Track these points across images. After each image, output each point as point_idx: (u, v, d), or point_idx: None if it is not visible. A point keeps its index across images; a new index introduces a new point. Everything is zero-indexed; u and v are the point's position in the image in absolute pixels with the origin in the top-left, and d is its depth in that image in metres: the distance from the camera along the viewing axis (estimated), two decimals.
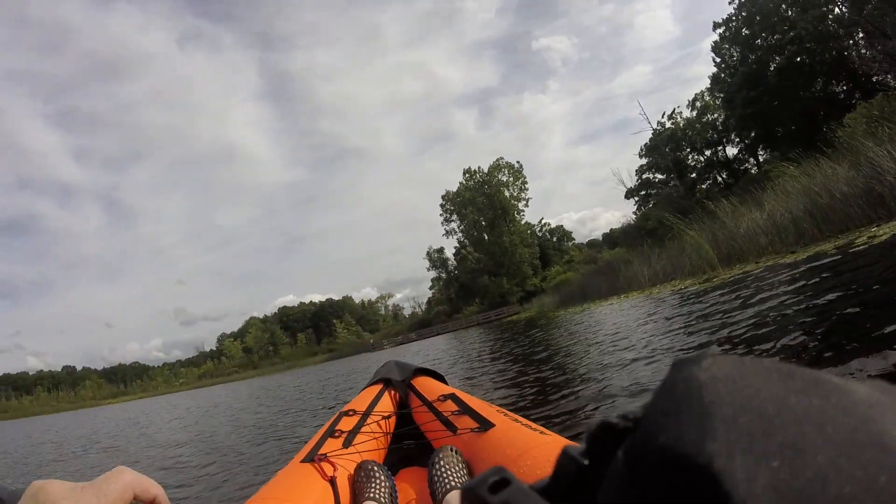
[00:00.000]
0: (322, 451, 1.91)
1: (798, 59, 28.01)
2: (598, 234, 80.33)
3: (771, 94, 29.63)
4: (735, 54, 33.31)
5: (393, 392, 2.87)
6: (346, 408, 2.50)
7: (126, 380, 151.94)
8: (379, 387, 2.90)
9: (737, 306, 6.01)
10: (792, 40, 28.16)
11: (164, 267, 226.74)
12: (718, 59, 34.88)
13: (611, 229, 75.93)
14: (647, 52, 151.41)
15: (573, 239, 70.47)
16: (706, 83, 38.24)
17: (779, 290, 5.88)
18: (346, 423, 2.25)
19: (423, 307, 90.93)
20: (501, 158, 62.59)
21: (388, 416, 2.48)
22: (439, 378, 3.09)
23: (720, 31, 33.96)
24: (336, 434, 2.11)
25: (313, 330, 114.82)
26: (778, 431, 0.18)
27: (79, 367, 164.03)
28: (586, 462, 0.23)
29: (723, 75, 34.53)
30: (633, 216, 42.25)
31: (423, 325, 74.95)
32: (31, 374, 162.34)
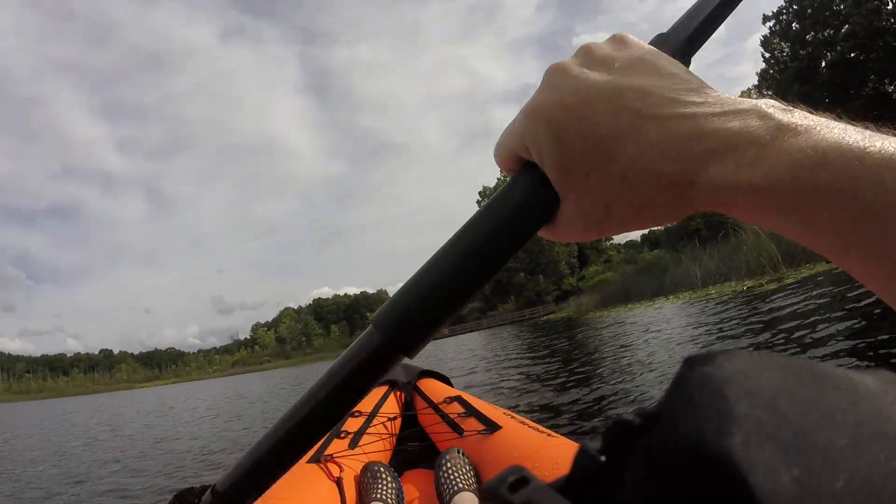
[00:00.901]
0: (328, 451, 1.91)
1: (851, 54, 26.98)
2: (635, 235, 78.90)
3: (823, 91, 28.75)
4: (785, 49, 32.36)
5: (398, 394, 2.85)
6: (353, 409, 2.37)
7: (161, 365, 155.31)
8: (384, 388, 2.87)
9: (819, 308, 5.48)
10: (845, 36, 27.14)
11: (204, 255, 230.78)
12: (767, 55, 33.94)
13: (649, 230, 74.70)
14: None
15: (611, 238, 69.30)
16: (751, 82, 36.96)
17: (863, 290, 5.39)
18: (352, 425, 2.25)
19: None
20: None
21: (394, 418, 2.50)
22: (445, 380, 3.08)
23: (770, 24, 32.90)
24: (342, 435, 2.11)
25: (347, 322, 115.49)
26: (792, 423, 0.18)
27: (116, 351, 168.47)
28: (603, 459, 0.22)
29: (771, 71, 33.65)
30: None
31: (456, 321, 74.41)
32: (68, 355, 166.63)
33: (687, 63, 0.42)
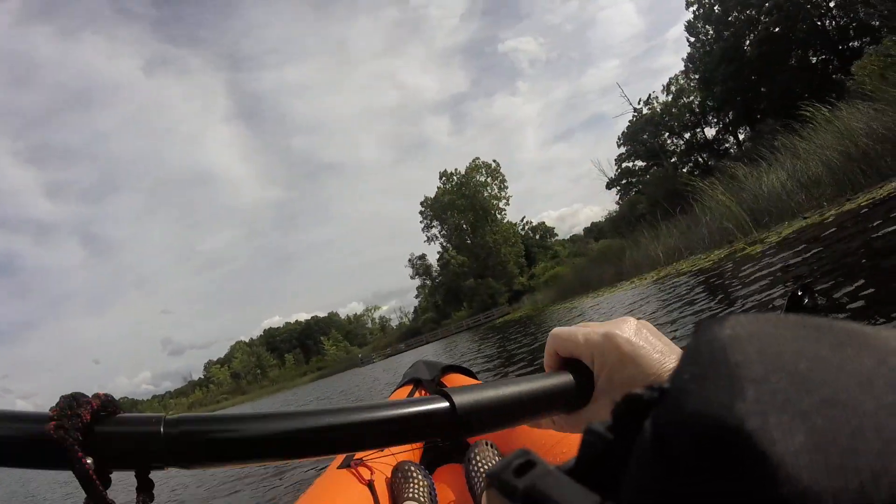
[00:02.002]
0: (358, 455, 1.86)
1: (775, 29, 27.55)
2: (579, 230, 79.70)
3: (750, 68, 29.34)
4: (710, 31, 32.92)
5: (423, 392, 2.75)
6: None
7: None
8: (409, 388, 2.80)
9: (815, 264, 5.26)
10: (769, 11, 27.74)
11: (149, 297, 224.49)
12: (693, 39, 34.49)
13: (592, 223, 75.44)
14: (613, 46, 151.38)
15: (556, 235, 69.77)
16: (673, 72, 37.92)
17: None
18: None
19: (411, 317, 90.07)
20: (478, 159, 62.00)
21: None
22: (469, 373, 2.98)
23: (693, 9, 33.52)
24: None
25: (301, 349, 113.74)
26: (814, 388, 0.17)
27: None
28: (611, 437, 0.22)
29: (698, 54, 34.12)
30: (617, 206, 41.87)
31: (411, 334, 74.11)
32: None
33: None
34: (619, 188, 41.71)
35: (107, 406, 0.43)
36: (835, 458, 0.15)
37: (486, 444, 1.84)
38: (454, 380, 2.85)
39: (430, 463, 2.24)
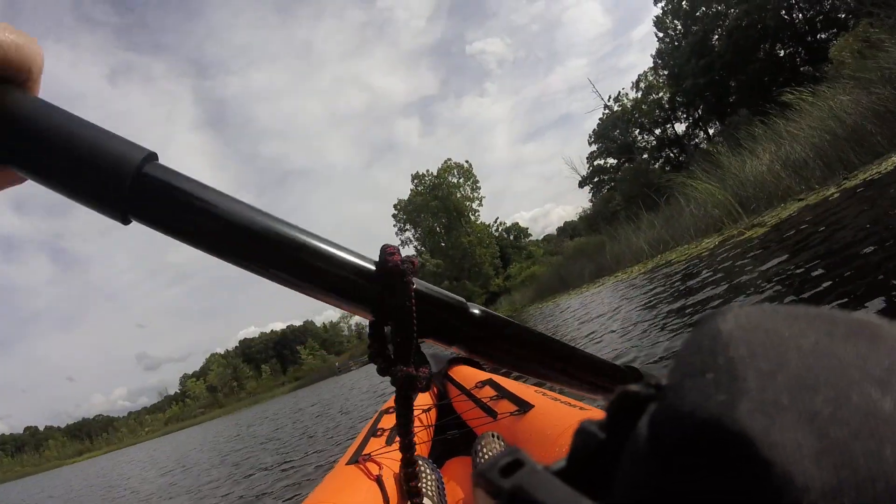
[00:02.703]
0: (366, 451, 1.89)
1: (743, 22, 27.53)
2: (552, 230, 79.69)
3: (720, 62, 29.27)
4: (678, 26, 32.93)
5: (432, 385, 2.45)
6: (385, 405, 2.51)
7: (91, 434, 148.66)
8: None
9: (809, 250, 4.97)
10: (736, 3, 27.73)
11: (121, 311, 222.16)
12: (661, 34, 34.41)
13: (565, 222, 75.40)
14: (580, 45, 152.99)
15: (530, 235, 69.56)
16: (639, 70, 37.95)
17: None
18: (388, 421, 2.24)
19: None
20: (450, 160, 61.36)
21: (429, 409, 2.47)
22: (475, 364, 3.02)
23: (661, 4, 33.59)
24: (378, 433, 2.11)
25: (277, 359, 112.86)
26: (821, 386, 0.16)
27: (42, 427, 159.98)
28: (603, 436, 0.21)
29: (666, 50, 34.12)
30: (591, 203, 41.72)
31: None
32: None
33: None
34: (591, 186, 41.49)
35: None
36: (838, 460, 0.15)
37: (493, 436, 1.84)
38: (461, 371, 2.84)
39: (438, 457, 2.28)
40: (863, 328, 0.18)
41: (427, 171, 62.40)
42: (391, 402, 2.36)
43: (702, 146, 33.84)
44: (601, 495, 0.20)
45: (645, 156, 37.68)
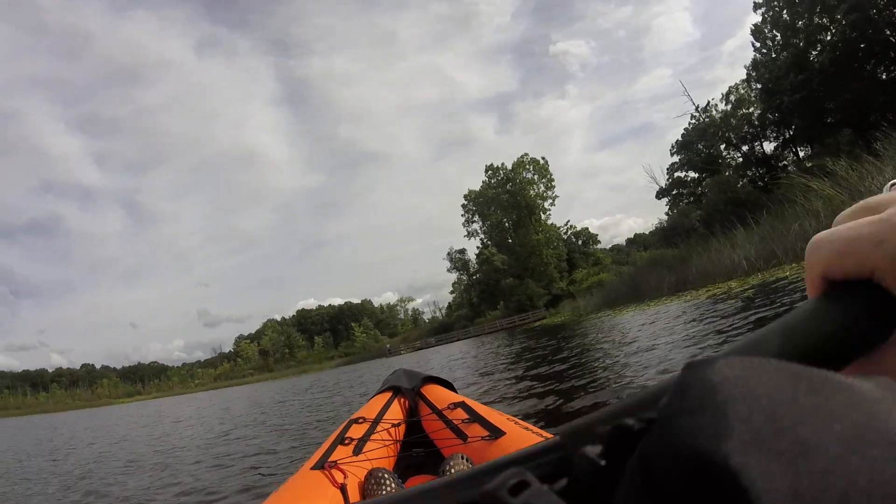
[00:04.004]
0: (332, 458, 1.92)
1: (852, 35, 25.64)
2: (620, 241, 77.97)
3: (818, 78, 27.40)
4: (778, 37, 31.10)
5: (402, 400, 2.83)
6: (355, 415, 2.50)
7: (144, 379, 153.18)
8: (388, 395, 2.87)
9: None
10: (840, 19, 25.94)
11: (188, 269, 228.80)
12: (758, 44, 32.68)
13: (634, 234, 73.62)
14: (666, 55, 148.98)
15: (599, 242, 68.02)
16: (727, 85, 36.30)
17: None
18: (356, 431, 2.27)
19: (444, 312, 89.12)
20: (526, 155, 60.82)
21: (398, 424, 2.49)
22: (449, 386, 3.03)
23: (761, 11, 31.73)
24: (346, 441, 2.14)
25: (331, 333, 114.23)
26: (788, 430, 0.18)
27: (98, 366, 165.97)
28: (603, 463, 0.23)
29: (763, 61, 32.27)
30: (667, 216, 40.25)
31: (442, 329, 73.29)
32: (50, 371, 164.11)
33: None
34: (669, 198, 39.98)
35: None
36: (808, 496, 0.16)
37: (462, 458, 1.83)
38: (433, 391, 2.86)
39: (402, 472, 2.22)
40: (823, 382, 0.21)
41: (502, 164, 61.70)
42: (361, 412, 2.53)
43: (790, 168, 32.22)
44: None
45: (728, 173, 35.95)
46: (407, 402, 2.85)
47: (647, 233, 60.50)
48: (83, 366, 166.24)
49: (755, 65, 33.23)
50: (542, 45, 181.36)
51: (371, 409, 2.60)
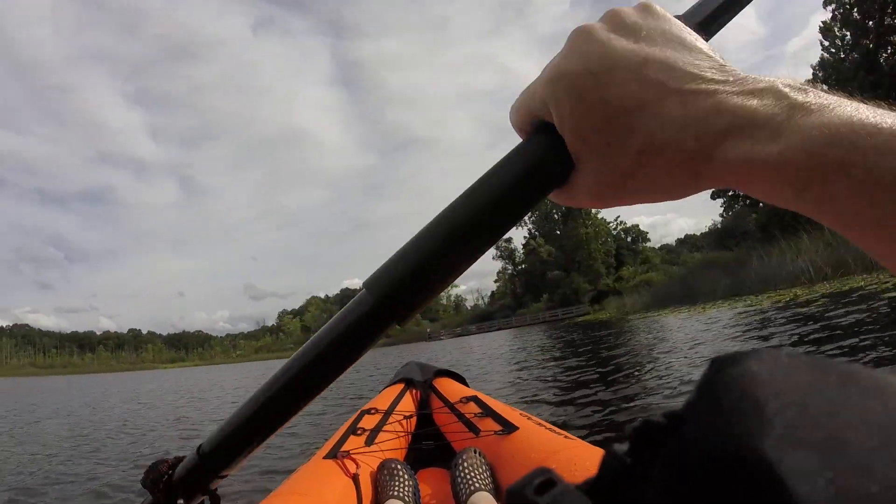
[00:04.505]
0: (344, 448, 1.93)
1: None
2: (670, 240, 76.57)
3: (890, 80, 26.38)
4: (847, 36, 29.89)
5: (414, 392, 2.84)
6: (367, 406, 2.50)
7: (188, 347, 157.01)
8: (400, 386, 2.86)
9: None
10: None
11: (236, 243, 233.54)
12: (826, 43, 31.38)
13: (685, 235, 72.30)
14: (729, 52, 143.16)
15: (649, 240, 66.84)
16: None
17: None
18: (368, 422, 2.28)
19: (487, 300, 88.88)
20: None
21: (410, 416, 2.49)
22: (461, 380, 3.00)
23: (831, 7, 30.37)
24: (358, 432, 2.15)
25: None
26: (822, 424, 0.18)
27: (144, 331, 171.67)
28: (630, 461, 0.22)
29: (832, 60, 31.10)
30: (721, 218, 39.25)
31: (484, 318, 73.28)
32: (98, 334, 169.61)
33: (708, 39, 0.43)
34: (724, 200, 38.98)
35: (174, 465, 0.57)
36: (848, 491, 0.16)
37: (475, 452, 1.83)
38: (445, 384, 2.83)
39: (414, 463, 2.18)
40: (851, 375, 0.20)
41: None
42: (373, 403, 2.52)
43: None
44: None
45: None
46: (419, 395, 2.87)
47: (698, 234, 59.57)
48: (130, 330, 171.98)
49: (822, 65, 31.98)
50: None
51: (383, 401, 2.63)
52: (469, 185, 0.42)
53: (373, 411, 2.41)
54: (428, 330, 77.19)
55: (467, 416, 2.27)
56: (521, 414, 2.09)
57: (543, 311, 56.96)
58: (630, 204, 0.39)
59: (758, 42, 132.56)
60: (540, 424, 1.92)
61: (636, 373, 6.72)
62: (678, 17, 0.41)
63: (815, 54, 31.73)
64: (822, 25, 31.40)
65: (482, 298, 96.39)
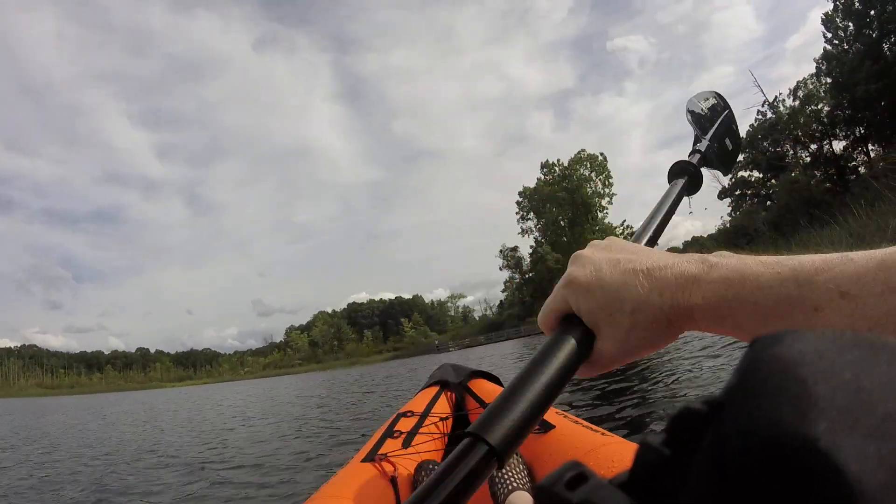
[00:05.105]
0: (382, 451, 1.94)
1: None
2: (676, 243, 75.86)
3: (894, 69, 25.89)
4: (850, 26, 29.50)
5: (449, 394, 2.81)
6: (403, 409, 2.53)
7: (196, 365, 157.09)
8: (435, 389, 2.85)
9: None
10: None
11: (244, 259, 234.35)
12: (829, 35, 31.09)
13: (692, 237, 71.79)
14: (728, 52, 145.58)
15: (657, 244, 66.21)
16: (789, 84, 34.55)
17: None
18: (405, 424, 2.29)
19: (494, 310, 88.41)
20: (583, 150, 60.06)
21: (446, 418, 2.46)
22: (495, 381, 2.96)
23: None
24: (395, 435, 2.16)
25: (381, 327, 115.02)
26: (877, 405, 0.17)
27: (153, 350, 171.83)
28: (668, 452, 0.21)
29: (835, 52, 30.73)
30: (730, 217, 38.80)
31: (493, 328, 72.81)
32: (105, 353, 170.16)
33: (653, 247, 0.70)
34: (732, 199, 38.55)
35: None
36: None
37: None
38: (480, 385, 2.81)
39: None
40: None
41: (558, 160, 60.82)
42: (409, 406, 2.52)
43: (861, 169, 30.59)
44: None
45: (794, 173, 34.15)
46: (454, 397, 2.84)
47: (705, 235, 58.94)
48: (138, 349, 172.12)
49: (826, 57, 31.69)
50: (600, 41, 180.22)
51: (419, 403, 2.61)
52: (524, 368, 0.55)
53: (409, 414, 2.41)
54: (436, 342, 76.78)
55: None
56: (556, 412, 2.04)
57: None
58: (641, 355, 0.56)
59: (757, 40, 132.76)
60: (577, 422, 1.89)
61: (662, 367, 6.68)
62: (632, 239, 0.67)
63: (815, 50, 31.35)
64: (823, 17, 31.15)
65: (490, 309, 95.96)
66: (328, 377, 32.79)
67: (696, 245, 64.26)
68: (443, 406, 2.65)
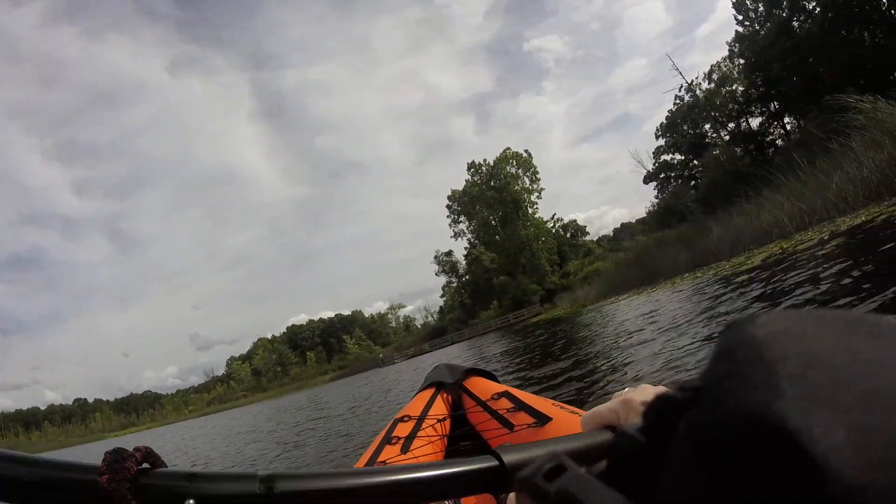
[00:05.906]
0: (381, 458, 1.96)
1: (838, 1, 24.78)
2: (607, 232, 77.47)
3: (808, 44, 26.48)
4: (760, 7, 30.57)
5: (445, 395, 2.80)
6: (400, 414, 2.52)
7: (137, 410, 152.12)
8: (431, 391, 2.83)
9: None
10: None
11: (177, 292, 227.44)
12: (741, 17, 32.13)
13: (621, 224, 73.17)
14: (640, 46, 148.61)
15: (587, 233, 67.24)
16: (702, 70, 36.32)
17: None
18: (402, 429, 2.27)
19: (436, 316, 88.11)
20: (508, 149, 60.07)
21: (443, 419, 2.49)
22: (491, 377, 2.95)
23: None
24: (393, 441, 2.16)
25: (323, 347, 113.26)
26: (853, 381, 0.17)
27: (91, 399, 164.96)
28: (643, 440, 0.22)
29: (747, 34, 31.74)
30: (657, 199, 39.81)
31: (436, 334, 72.37)
32: (42, 409, 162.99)
33: None
34: (657, 182, 39.51)
35: (147, 458, 0.45)
36: (878, 452, 0.15)
37: (510, 447, 1.44)
38: (476, 383, 2.80)
39: None
40: (882, 327, 0.19)
41: (484, 160, 60.84)
42: (406, 411, 2.56)
43: (778, 142, 31.59)
44: (644, 499, 0.20)
45: (716, 152, 35.20)
46: (450, 397, 2.82)
47: (633, 221, 60.13)
48: (76, 400, 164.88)
49: (738, 39, 32.67)
50: (516, 43, 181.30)
51: (415, 407, 2.59)
52: None
53: (406, 419, 2.39)
54: (380, 356, 75.94)
55: (500, 412, 2.22)
56: (553, 404, 2.03)
57: (495, 318, 55.98)
58: None
59: (667, 32, 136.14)
60: (573, 412, 1.87)
61: (610, 353, 6.76)
62: None
63: (724, 37, 32.70)
64: (734, 1, 32.08)
65: (431, 315, 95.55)
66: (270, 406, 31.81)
67: (626, 231, 65.27)
68: (440, 407, 2.63)
